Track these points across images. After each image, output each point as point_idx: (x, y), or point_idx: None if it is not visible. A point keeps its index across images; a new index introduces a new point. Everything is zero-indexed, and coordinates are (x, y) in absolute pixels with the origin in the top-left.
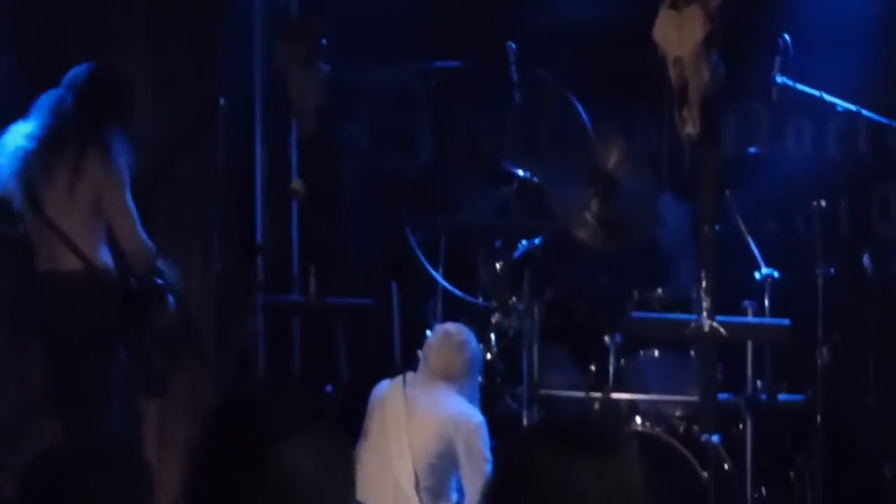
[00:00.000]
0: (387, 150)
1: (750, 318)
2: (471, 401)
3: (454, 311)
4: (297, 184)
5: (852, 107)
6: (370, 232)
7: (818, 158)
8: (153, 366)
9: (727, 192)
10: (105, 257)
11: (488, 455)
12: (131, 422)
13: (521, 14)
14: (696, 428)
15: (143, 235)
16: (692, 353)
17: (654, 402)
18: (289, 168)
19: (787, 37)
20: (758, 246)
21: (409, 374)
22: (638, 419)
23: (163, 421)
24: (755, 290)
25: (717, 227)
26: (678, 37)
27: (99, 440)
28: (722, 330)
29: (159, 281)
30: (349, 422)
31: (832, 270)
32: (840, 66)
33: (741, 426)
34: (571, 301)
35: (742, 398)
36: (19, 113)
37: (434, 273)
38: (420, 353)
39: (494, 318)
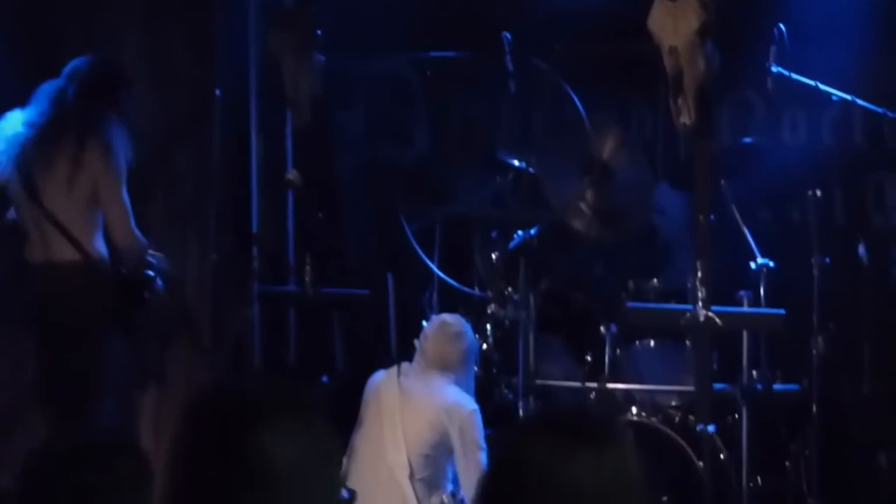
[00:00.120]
0: (382, 141)
1: (745, 308)
2: (466, 391)
3: (450, 302)
4: (292, 174)
5: (847, 96)
6: (366, 222)
7: (813, 148)
8: (149, 354)
9: (722, 181)
10: (100, 247)
11: (482, 443)
12: (128, 414)
13: (516, 4)
14: (691, 418)
15: (136, 231)
16: (688, 342)
17: (650, 392)
18: (284, 158)
19: (782, 26)
20: (753, 236)
21: (405, 365)
22: (634, 409)
23: (159, 412)
24: (750, 280)
25: (712, 216)
26: (673, 26)
27: (96, 433)
28: (717, 320)
29: (149, 273)
30: (345, 411)
31: (827, 260)
32: (835, 56)
33: (737, 416)
34: (567, 291)
35: (737, 388)
36: (15, 104)
37: (430, 263)
38: (416, 342)
39: (490, 309)
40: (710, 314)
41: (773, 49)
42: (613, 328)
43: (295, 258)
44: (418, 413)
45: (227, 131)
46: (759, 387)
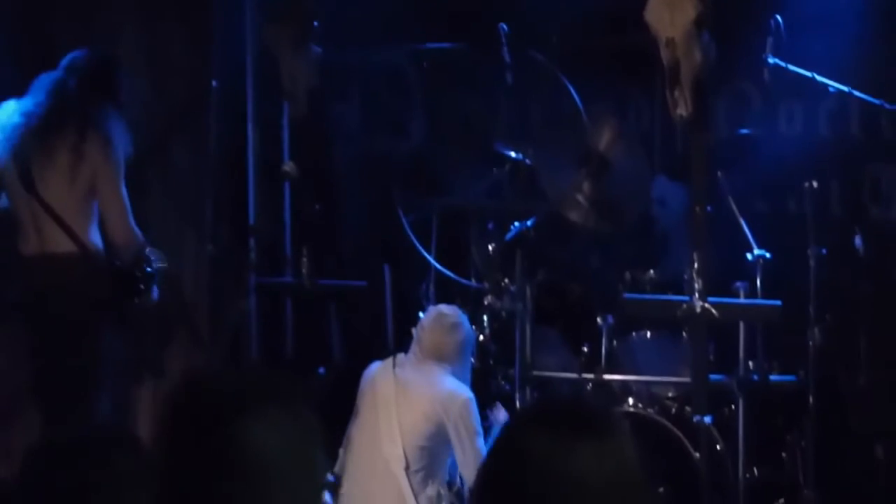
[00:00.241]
0: (379, 132)
1: (742, 299)
2: (463, 382)
3: (447, 293)
4: (289, 166)
5: (844, 88)
6: (363, 213)
7: (810, 139)
8: (146, 347)
9: (719, 173)
10: (95, 239)
11: (479, 429)
12: (125, 407)
13: None
14: (688, 409)
15: (134, 226)
16: (684, 334)
17: (647, 384)
18: (281, 150)
19: (778, 18)
20: (749, 227)
21: (400, 356)
22: (630, 400)
23: (157, 405)
24: (747, 271)
25: (708, 208)
26: (670, 18)
27: (95, 427)
28: (714, 311)
29: (148, 269)
30: (342, 403)
31: (824, 251)
32: (832, 47)
33: (733, 407)
34: (564, 282)
35: (734, 379)
36: (10, 95)
37: (426, 255)
38: (414, 331)
39: (487, 300)
40: (707, 305)
41: (769, 40)
42: (610, 319)
43: (292, 250)
44: (414, 404)
45: (224, 123)
46: (756, 378)
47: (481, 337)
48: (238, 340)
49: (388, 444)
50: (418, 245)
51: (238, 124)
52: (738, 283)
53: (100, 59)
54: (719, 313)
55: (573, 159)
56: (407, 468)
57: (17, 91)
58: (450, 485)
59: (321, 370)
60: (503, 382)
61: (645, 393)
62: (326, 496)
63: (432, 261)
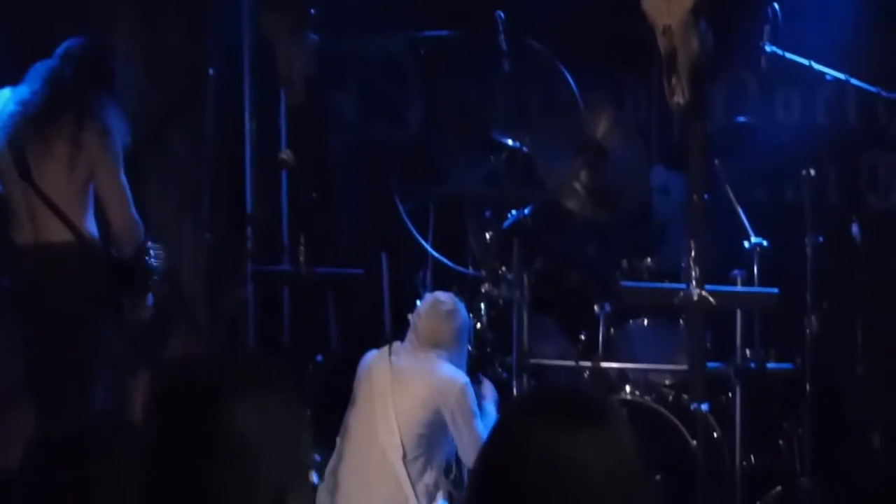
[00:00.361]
0: (376, 120)
1: (739, 287)
2: (459, 368)
3: (444, 281)
4: (286, 154)
5: (841, 75)
6: (360, 201)
7: (807, 127)
8: (143, 337)
9: (716, 161)
10: (92, 229)
11: (476, 410)
12: (123, 397)
13: None
14: (685, 396)
15: (136, 215)
16: (681, 321)
17: (644, 371)
18: (278, 138)
19: (775, 5)
20: (747, 215)
21: (396, 344)
22: (627, 388)
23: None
24: (744, 259)
25: (706, 196)
26: (667, 5)
27: (94, 419)
28: (711, 299)
29: (150, 261)
30: (339, 391)
31: (821, 239)
32: (829, 35)
33: (730, 395)
34: (561, 270)
35: (731, 367)
36: (5, 83)
37: (423, 243)
38: (410, 317)
39: (484, 288)
40: (704, 293)
41: (766, 28)
42: (607, 307)
43: (289, 238)
44: (411, 392)
45: (221, 111)
46: (753, 366)
47: (478, 325)
48: (235, 328)
49: (385, 433)
50: (415, 233)
51: (235, 113)
52: (736, 271)
53: (95, 47)
54: (716, 301)
55: (570, 147)
56: (404, 457)
57: (13, 79)
58: (447, 472)
59: (318, 358)
60: (500, 370)
61: (642, 380)
62: (313, 476)
63: (429, 249)
